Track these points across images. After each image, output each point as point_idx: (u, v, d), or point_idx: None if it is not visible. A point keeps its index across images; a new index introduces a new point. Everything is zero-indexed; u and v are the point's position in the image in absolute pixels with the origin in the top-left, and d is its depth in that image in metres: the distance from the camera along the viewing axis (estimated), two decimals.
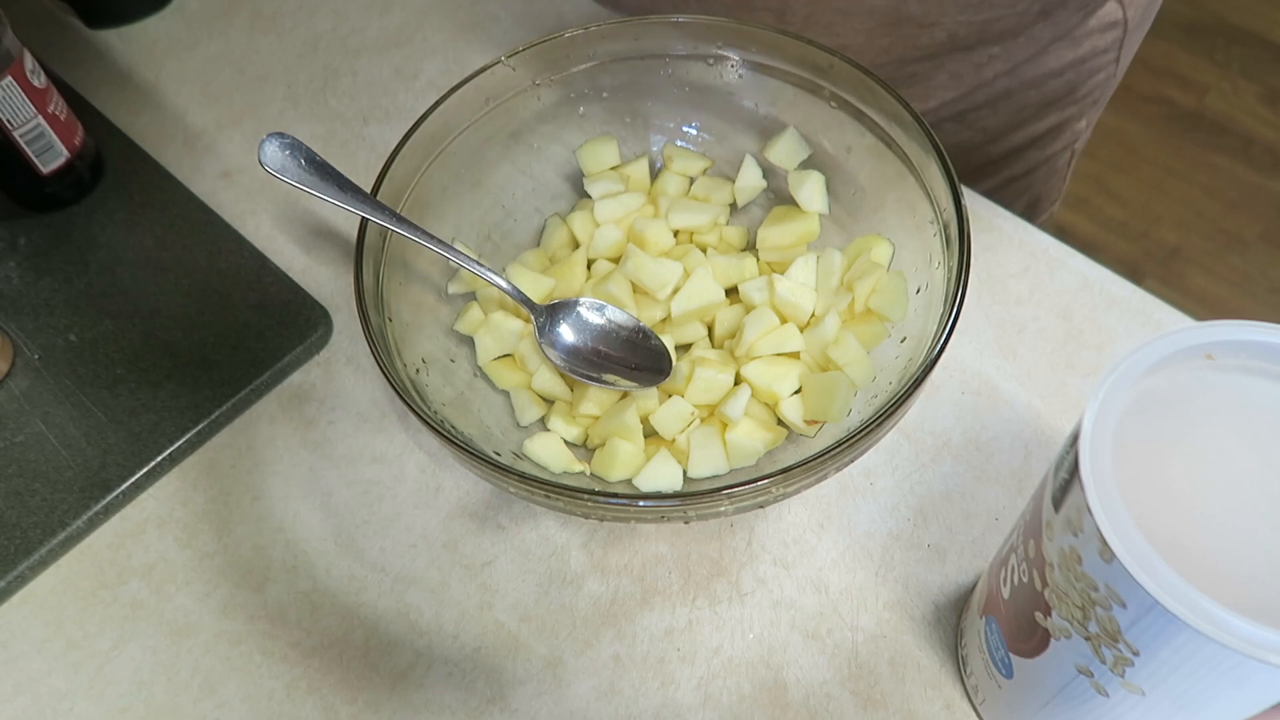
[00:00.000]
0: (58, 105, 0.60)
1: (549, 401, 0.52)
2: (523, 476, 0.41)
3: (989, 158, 0.69)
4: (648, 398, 0.49)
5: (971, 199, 0.59)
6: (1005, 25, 0.61)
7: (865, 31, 0.60)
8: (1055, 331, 0.54)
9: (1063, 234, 0.58)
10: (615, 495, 0.45)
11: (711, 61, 0.54)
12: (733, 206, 0.57)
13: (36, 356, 0.56)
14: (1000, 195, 0.73)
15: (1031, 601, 0.35)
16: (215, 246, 0.60)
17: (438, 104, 0.51)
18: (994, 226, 0.58)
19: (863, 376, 0.48)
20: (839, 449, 0.40)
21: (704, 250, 0.55)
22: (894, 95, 0.48)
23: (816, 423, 0.49)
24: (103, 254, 0.60)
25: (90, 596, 0.49)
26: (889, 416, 0.41)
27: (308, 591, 0.49)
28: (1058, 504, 0.32)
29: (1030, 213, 0.77)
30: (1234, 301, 1.52)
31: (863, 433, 0.40)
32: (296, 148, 0.48)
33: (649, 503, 0.42)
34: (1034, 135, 0.69)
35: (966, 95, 0.64)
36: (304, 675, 0.46)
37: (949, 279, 0.44)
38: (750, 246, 0.56)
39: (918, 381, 0.41)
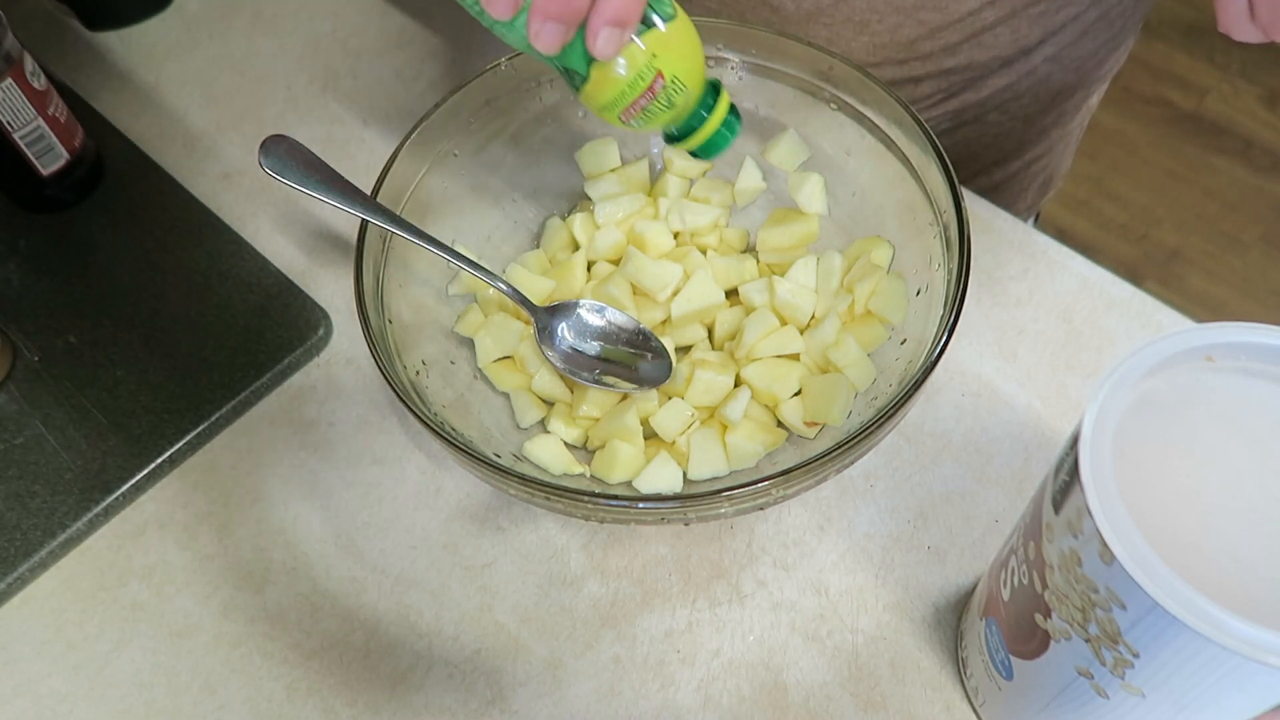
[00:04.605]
0: (58, 107, 0.60)
1: (549, 403, 0.52)
2: (523, 478, 0.41)
3: (1019, 141, 0.70)
4: (648, 399, 0.49)
5: (972, 201, 0.59)
6: (1066, 15, 0.62)
7: (943, 40, 0.61)
8: (1055, 333, 0.54)
9: (1062, 236, 0.58)
10: (615, 497, 0.45)
11: (712, 64, 0.54)
12: (733, 208, 0.57)
13: (36, 358, 0.56)
14: (1022, 177, 0.74)
15: (1031, 603, 0.35)
16: (215, 248, 0.60)
17: (438, 105, 0.51)
18: (994, 228, 0.58)
19: (863, 378, 0.48)
20: (839, 451, 0.40)
21: (704, 252, 0.55)
22: (894, 97, 0.48)
23: (816, 425, 0.49)
24: (103, 256, 0.60)
25: (90, 598, 0.49)
26: (889, 418, 0.41)
27: (308, 593, 0.49)
28: (1058, 506, 0.32)
29: (1043, 191, 0.78)
30: (1234, 303, 1.52)
31: (863, 435, 0.40)
32: (296, 150, 0.48)
33: (649, 504, 0.42)
34: (1060, 114, 0.70)
35: (1012, 85, 0.64)
36: (304, 677, 0.46)
37: (949, 281, 0.44)
38: (750, 248, 0.56)
39: (918, 383, 0.41)
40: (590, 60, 0.40)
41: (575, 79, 0.41)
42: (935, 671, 0.45)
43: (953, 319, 0.42)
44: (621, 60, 0.40)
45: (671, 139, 0.45)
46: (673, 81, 0.41)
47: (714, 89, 0.45)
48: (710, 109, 0.44)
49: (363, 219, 0.47)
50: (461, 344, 0.52)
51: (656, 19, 0.40)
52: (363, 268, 0.46)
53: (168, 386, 0.55)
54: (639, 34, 0.40)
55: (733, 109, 0.45)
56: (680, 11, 0.41)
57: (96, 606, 0.49)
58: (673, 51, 0.41)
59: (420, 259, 0.51)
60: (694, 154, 0.46)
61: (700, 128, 0.44)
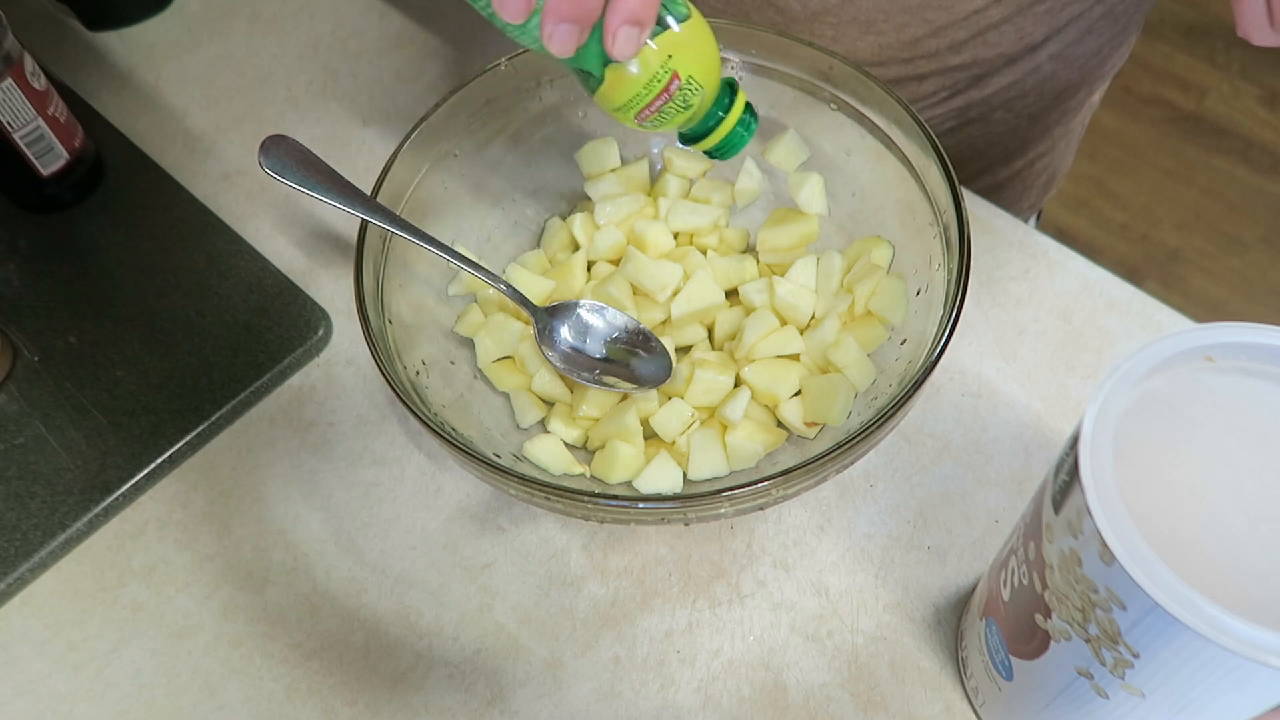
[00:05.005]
0: (58, 107, 0.60)
1: (549, 403, 0.52)
2: (523, 478, 0.41)
3: (1024, 139, 0.71)
4: (648, 400, 0.49)
5: (972, 201, 0.59)
6: (1071, 13, 0.62)
7: (949, 38, 0.61)
8: (1055, 334, 0.54)
9: (1063, 236, 0.58)
10: (615, 497, 0.45)
11: None
12: (733, 208, 0.57)
13: (36, 359, 0.56)
14: (1026, 175, 0.74)
15: (1031, 603, 0.35)
16: (215, 249, 0.60)
17: (438, 106, 0.51)
18: (994, 228, 0.58)
19: (863, 379, 0.48)
20: (839, 451, 0.40)
21: (704, 252, 0.55)
22: (894, 97, 0.48)
23: (816, 425, 0.49)
24: (103, 256, 0.60)
25: (90, 598, 0.49)
26: (889, 419, 0.41)
27: (307, 593, 0.49)
28: (1058, 506, 0.32)
29: (1046, 188, 0.78)
30: (1234, 304, 1.52)
31: (863, 435, 0.40)
32: (296, 150, 0.48)
33: (649, 505, 0.42)
34: (1064, 111, 0.71)
35: (1017, 83, 0.65)
36: (304, 677, 0.46)
37: (949, 281, 0.44)
38: (750, 248, 0.56)
39: (918, 384, 0.41)
40: (606, 62, 0.39)
41: (590, 81, 0.41)
42: (935, 672, 0.45)
43: (953, 319, 0.42)
44: (637, 61, 0.40)
45: (687, 139, 0.45)
46: (688, 82, 0.41)
47: (730, 88, 0.44)
48: (727, 108, 0.44)
49: (363, 219, 0.47)
50: (461, 344, 0.52)
51: (671, 19, 0.40)
52: (363, 268, 0.46)
53: (168, 386, 0.55)
54: (654, 35, 0.39)
55: (749, 108, 0.45)
56: (695, 11, 0.41)
57: (96, 606, 0.49)
58: (689, 51, 0.40)
59: (420, 259, 0.51)
60: (710, 153, 0.46)
61: (716, 127, 0.44)
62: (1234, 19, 0.39)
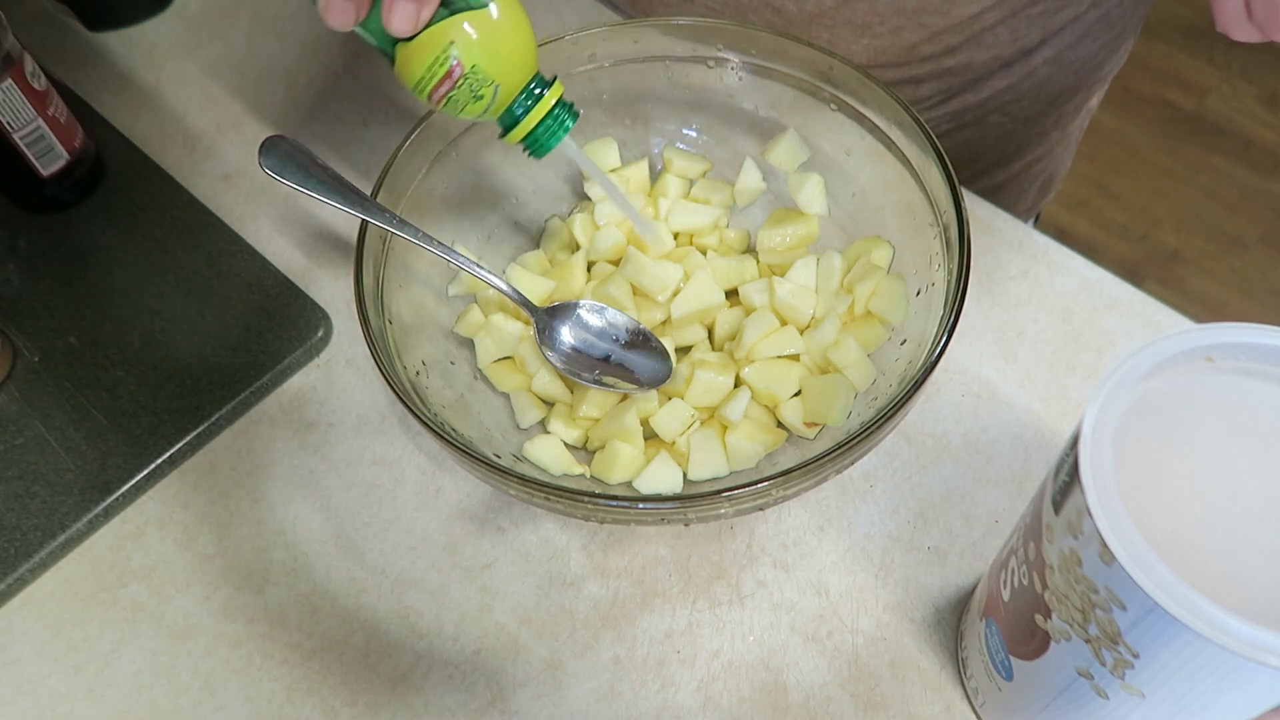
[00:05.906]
0: (58, 108, 0.60)
1: (549, 404, 0.52)
2: (523, 479, 0.41)
3: (1020, 143, 0.71)
4: (648, 400, 0.49)
5: (972, 201, 0.59)
6: (1066, 17, 0.62)
7: (944, 43, 0.61)
8: (1055, 334, 0.54)
9: (1063, 236, 0.58)
10: (615, 497, 0.45)
11: (712, 64, 0.54)
12: (733, 208, 0.57)
13: (36, 359, 0.56)
14: (1022, 179, 0.74)
15: (1031, 604, 0.35)
16: (215, 249, 0.60)
17: None
18: (994, 228, 0.58)
19: (863, 379, 0.48)
20: (839, 451, 0.40)
21: (704, 252, 0.55)
22: (894, 98, 0.48)
23: (816, 425, 0.49)
24: (103, 256, 0.60)
25: (90, 599, 0.49)
26: (889, 419, 0.41)
27: (308, 594, 0.49)
28: (1058, 506, 0.32)
29: (1043, 192, 0.78)
30: (1234, 304, 1.52)
31: (863, 435, 0.40)
32: (297, 150, 0.48)
33: (649, 505, 0.42)
34: (1061, 115, 0.71)
35: (1012, 86, 0.65)
36: (304, 678, 0.46)
37: (949, 281, 0.44)
38: (750, 249, 0.56)
39: (917, 384, 0.41)
40: (395, 40, 0.39)
41: (387, 57, 0.41)
42: (935, 672, 0.45)
43: (953, 319, 0.42)
44: (419, 42, 0.39)
45: (502, 131, 0.44)
46: (473, 71, 0.40)
47: (544, 83, 0.43)
48: (532, 104, 0.42)
49: (363, 219, 0.47)
50: (461, 344, 0.52)
51: (465, 4, 0.39)
52: (363, 268, 0.46)
53: (168, 386, 0.55)
54: (440, 18, 0.38)
55: (565, 105, 0.43)
56: (498, 2, 0.39)
57: (96, 607, 0.49)
58: (477, 41, 0.39)
59: (420, 259, 0.51)
60: (525, 148, 0.44)
61: (521, 121, 0.43)
62: (1213, 15, 0.39)
